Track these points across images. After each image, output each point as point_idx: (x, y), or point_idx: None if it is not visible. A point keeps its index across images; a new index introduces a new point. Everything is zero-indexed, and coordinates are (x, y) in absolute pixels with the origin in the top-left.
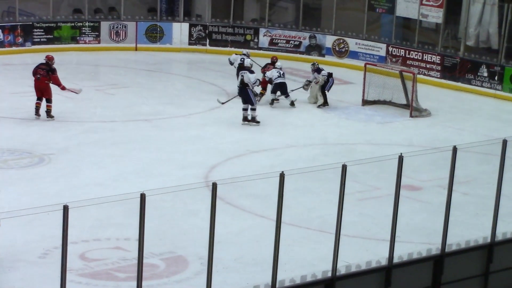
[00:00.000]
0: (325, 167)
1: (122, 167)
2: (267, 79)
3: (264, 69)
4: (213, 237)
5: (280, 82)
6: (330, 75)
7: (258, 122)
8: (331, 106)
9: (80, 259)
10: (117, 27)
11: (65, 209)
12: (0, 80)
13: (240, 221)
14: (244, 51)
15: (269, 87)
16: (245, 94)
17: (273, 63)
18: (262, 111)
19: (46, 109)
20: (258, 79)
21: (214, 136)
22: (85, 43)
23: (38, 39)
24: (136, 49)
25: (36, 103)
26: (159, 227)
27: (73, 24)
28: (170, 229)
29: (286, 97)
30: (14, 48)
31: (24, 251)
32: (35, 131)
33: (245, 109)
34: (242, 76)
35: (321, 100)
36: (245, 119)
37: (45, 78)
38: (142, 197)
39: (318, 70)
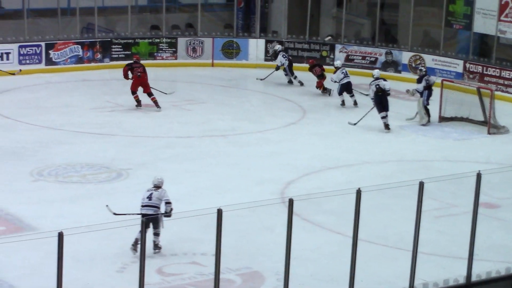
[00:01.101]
0: (401, 184)
1: (198, 182)
2: (332, 81)
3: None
4: (289, 252)
5: (347, 82)
6: (428, 87)
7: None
8: (408, 123)
9: (157, 273)
10: (194, 43)
11: (143, 223)
12: (79, 96)
13: (316, 237)
14: (277, 46)
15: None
16: (386, 101)
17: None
18: (338, 127)
19: (153, 101)
20: (390, 87)
21: (290, 152)
22: (162, 59)
23: (117, 55)
24: (212, 65)
25: (135, 97)
26: (235, 242)
27: (150, 40)
28: (246, 244)
29: (351, 96)
30: (92, 64)
31: (102, 265)
32: (113, 146)
33: (384, 117)
34: (378, 85)
35: (426, 118)
36: (387, 126)
37: (144, 74)
38: (219, 212)
39: (420, 79)
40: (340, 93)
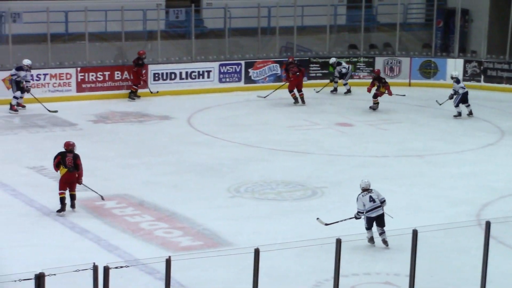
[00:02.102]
0: None
1: (393, 202)
2: (452, 92)
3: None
4: (485, 276)
5: (466, 92)
6: None
7: None
8: None
9: None
10: (391, 63)
11: (338, 242)
12: (277, 114)
13: None
14: (333, 59)
15: None
16: None
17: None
18: None
19: (301, 97)
20: None
21: (487, 174)
22: (360, 78)
23: (314, 74)
24: (409, 84)
25: (293, 94)
26: (429, 263)
27: (348, 60)
28: (440, 266)
29: (467, 106)
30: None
31: (296, 282)
32: (308, 164)
33: None
34: None
35: None
36: None
37: (301, 74)
38: (414, 233)
39: None
40: (458, 104)
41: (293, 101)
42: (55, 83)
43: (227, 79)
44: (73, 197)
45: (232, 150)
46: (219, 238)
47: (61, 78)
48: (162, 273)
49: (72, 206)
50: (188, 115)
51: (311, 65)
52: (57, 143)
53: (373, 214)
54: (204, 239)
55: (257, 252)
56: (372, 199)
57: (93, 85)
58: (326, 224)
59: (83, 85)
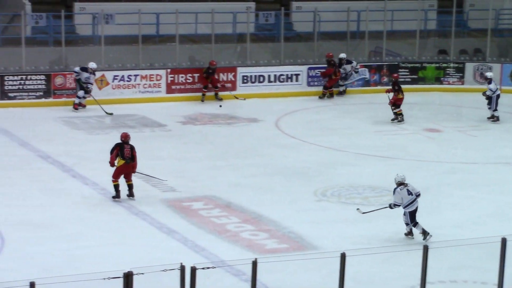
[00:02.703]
0: None
1: (481, 209)
2: (488, 93)
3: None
4: None
5: (498, 94)
6: None
7: None
8: None
9: None
10: (481, 69)
11: (425, 249)
12: (364, 118)
13: None
14: (342, 54)
15: None
16: None
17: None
18: None
19: (330, 93)
20: None
21: None
22: (449, 84)
23: (403, 79)
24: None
25: (325, 92)
26: None
27: (438, 65)
28: None
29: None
30: (379, 87)
31: (382, 287)
32: (396, 169)
33: None
34: None
35: None
36: None
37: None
38: (503, 241)
39: None
40: (496, 108)
41: (320, 96)
42: (146, 84)
43: (316, 83)
44: (130, 187)
45: (319, 153)
46: (304, 242)
47: (151, 79)
48: (247, 275)
49: (131, 195)
50: (276, 118)
51: (400, 70)
52: (146, 143)
53: (413, 207)
54: (290, 242)
55: (343, 257)
56: (410, 193)
57: (182, 87)
58: (364, 213)
59: (173, 87)
